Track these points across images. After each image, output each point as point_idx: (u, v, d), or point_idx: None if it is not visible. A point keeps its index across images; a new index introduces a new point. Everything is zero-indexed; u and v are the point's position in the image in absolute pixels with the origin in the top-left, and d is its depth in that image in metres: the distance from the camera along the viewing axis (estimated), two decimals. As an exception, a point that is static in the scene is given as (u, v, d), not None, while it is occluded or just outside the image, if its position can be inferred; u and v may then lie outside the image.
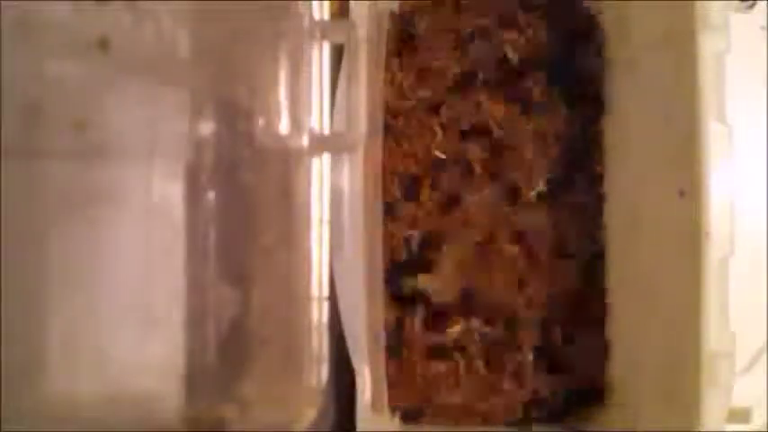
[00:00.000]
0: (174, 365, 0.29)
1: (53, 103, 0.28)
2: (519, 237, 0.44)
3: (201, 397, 0.30)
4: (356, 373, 0.36)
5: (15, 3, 0.27)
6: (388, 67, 0.43)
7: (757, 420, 0.41)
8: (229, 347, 0.30)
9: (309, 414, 0.30)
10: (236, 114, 0.31)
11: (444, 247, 0.44)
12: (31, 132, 0.28)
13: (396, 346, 0.43)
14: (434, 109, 0.44)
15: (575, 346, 0.44)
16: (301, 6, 0.31)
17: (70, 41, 0.28)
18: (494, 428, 0.43)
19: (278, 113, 0.31)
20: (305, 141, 0.31)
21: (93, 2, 0.28)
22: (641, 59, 0.41)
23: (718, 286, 0.34)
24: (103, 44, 0.28)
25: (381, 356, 0.41)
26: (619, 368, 0.43)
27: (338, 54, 0.33)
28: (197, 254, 0.30)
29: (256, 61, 0.32)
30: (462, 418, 0.43)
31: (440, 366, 0.43)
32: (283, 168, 0.31)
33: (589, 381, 0.43)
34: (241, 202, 0.31)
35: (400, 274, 0.44)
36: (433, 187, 0.44)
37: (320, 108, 0.31)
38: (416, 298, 0.44)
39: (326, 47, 0.32)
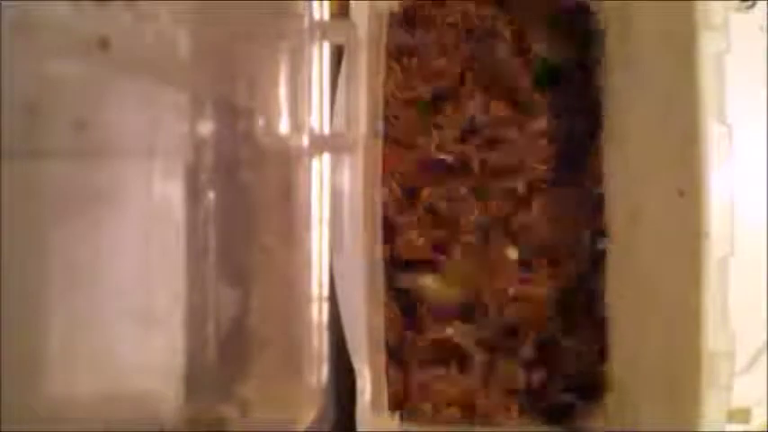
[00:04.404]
0: (174, 365, 0.29)
1: (53, 103, 0.28)
2: (519, 237, 0.44)
3: (201, 397, 0.30)
4: (356, 373, 0.36)
5: (15, 3, 0.27)
6: (387, 67, 0.43)
7: (757, 420, 0.41)
8: (229, 347, 0.30)
9: (309, 414, 0.30)
10: (236, 114, 0.31)
11: (444, 247, 0.44)
12: (31, 132, 0.28)
13: (396, 347, 0.43)
14: (434, 109, 0.44)
15: (574, 345, 0.44)
16: (301, 6, 0.31)
17: (70, 41, 0.28)
18: (494, 428, 0.43)
19: (278, 113, 0.31)
20: (305, 141, 0.31)
21: (94, 2, 0.28)
22: (641, 59, 0.41)
23: (718, 286, 0.34)
24: (103, 44, 0.28)
25: (381, 356, 0.41)
26: (618, 368, 0.42)
27: (338, 54, 0.33)
28: (197, 254, 0.30)
29: (256, 61, 0.32)
30: (462, 418, 0.43)
31: (440, 366, 0.43)
32: (283, 168, 0.31)
33: (589, 380, 0.43)
34: (241, 202, 0.31)
35: (400, 275, 0.44)
36: (433, 187, 0.44)
37: (320, 108, 0.32)
38: (416, 298, 0.44)
39: (326, 47, 0.32)
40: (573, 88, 0.45)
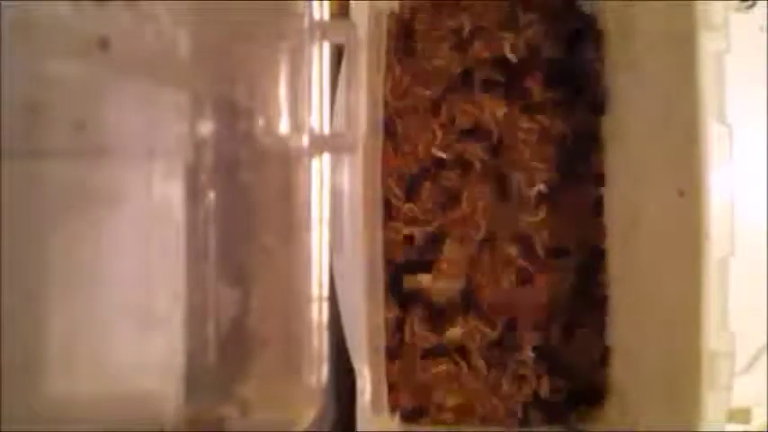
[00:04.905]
0: (174, 365, 0.30)
1: (53, 103, 0.28)
2: (519, 237, 0.44)
3: (201, 397, 0.30)
4: (356, 373, 0.36)
5: (15, 3, 0.27)
6: (388, 67, 0.43)
7: (757, 420, 0.41)
8: (229, 347, 0.30)
9: (309, 414, 0.30)
10: (236, 114, 0.31)
11: (444, 248, 0.44)
12: (31, 132, 0.28)
13: (396, 347, 0.43)
14: (434, 109, 0.44)
15: (575, 346, 0.44)
16: (301, 6, 0.31)
17: (70, 41, 0.28)
18: (494, 428, 0.43)
19: (278, 113, 0.31)
20: (305, 141, 0.31)
21: (94, 2, 0.28)
22: (641, 59, 0.41)
23: (718, 286, 0.34)
24: (103, 44, 0.28)
25: (381, 356, 0.41)
26: (619, 368, 0.43)
27: (338, 54, 0.33)
28: (197, 254, 0.30)
29: (256, 61, 0.32)
30: (462, 418, 0.43)
31: (440, 367, 0.43)
32: (283, 168, 0.31)
33: (589, 381, 0.43)
34: (241, 202, 0.31)
35: (400, 274, 0.44)
36: (433, 187, 0.44)
37: (320, 108, 0.32)
38: (416, 298, 0.44)
39: (326, 47, 0.32)
40: (573, 88, 0.45)
